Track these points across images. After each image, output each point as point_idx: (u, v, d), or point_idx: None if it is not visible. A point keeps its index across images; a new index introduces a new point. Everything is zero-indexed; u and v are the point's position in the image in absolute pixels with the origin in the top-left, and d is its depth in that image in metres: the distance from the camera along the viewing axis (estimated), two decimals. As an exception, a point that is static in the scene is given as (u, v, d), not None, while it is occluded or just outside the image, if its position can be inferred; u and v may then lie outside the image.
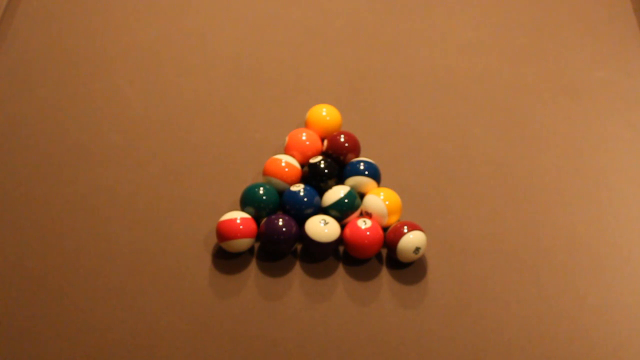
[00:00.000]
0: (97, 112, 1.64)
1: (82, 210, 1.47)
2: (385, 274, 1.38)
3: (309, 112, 1.56)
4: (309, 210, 1.41)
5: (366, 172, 1.46)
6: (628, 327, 1.32)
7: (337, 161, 1.49)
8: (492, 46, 1.78)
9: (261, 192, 1.42)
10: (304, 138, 1.51)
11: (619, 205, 1.49)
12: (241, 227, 1.38)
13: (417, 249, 1.36)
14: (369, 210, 1.42)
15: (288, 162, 1.47)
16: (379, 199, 1.42)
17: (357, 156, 1.51)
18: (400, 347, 1.30)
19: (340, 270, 1.39)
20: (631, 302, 1.35)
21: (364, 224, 1.38)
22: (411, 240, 1.36)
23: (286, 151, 1.51)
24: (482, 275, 1.38)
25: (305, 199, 1.41)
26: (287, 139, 1.52)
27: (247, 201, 1.42)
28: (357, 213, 1.42)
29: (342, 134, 1.52)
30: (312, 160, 1.48)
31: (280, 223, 1.38)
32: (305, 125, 1.56)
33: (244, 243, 1.38)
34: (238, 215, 1.39)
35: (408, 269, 1.39)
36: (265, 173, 1.46)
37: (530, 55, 1.76)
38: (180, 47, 1.78)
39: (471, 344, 1.30)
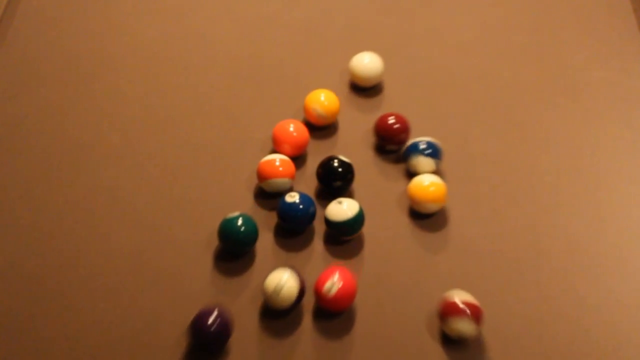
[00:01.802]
0: (97, 112, 1.64)
1: (82, 210, 1.47)
2: (384, 274, 1.38)
3: (306, 99, 1.58)
4: (305, 219, 1.40)
5: (427, 152, 1.48)
6: (628, 327, 1.32)
7: (390, 143, 1.52)
8: (492, 46, 1.78)
9: (239, 223, 1.37)
10: (291, 129, 1.51)
11: (618, 205, 1.49)
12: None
13: (463, 337, 1.29)
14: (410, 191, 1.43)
15: (281, 160, 1.46)
16: (425, 184, 1.43)
17: (408, 137, 1.53)
18: (401, 347, 1.30)
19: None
20: (631, 302, 1.35)
21: (330, 289, 1.29)
22: (464, 327, 1.28)
23: (275, 145, 1.51)
24: (482, 275, 1.38)
25: (301, 206, 1.40)
26: (273, 132, 1.52)
27: (224, 235, 1.38)
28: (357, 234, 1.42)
29: (391, 115, 1.53)
30: (326, 159, 1.47)
31: (210, 322, 1.26)
32: (304, 110, 1.57)
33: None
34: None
35: (408, 269, 1.39)
36: (263, 177, 1.45)
37: (530, 55, 1.76)
38: (180, 47, 1.78)
39: (471, 344, 1.30)
